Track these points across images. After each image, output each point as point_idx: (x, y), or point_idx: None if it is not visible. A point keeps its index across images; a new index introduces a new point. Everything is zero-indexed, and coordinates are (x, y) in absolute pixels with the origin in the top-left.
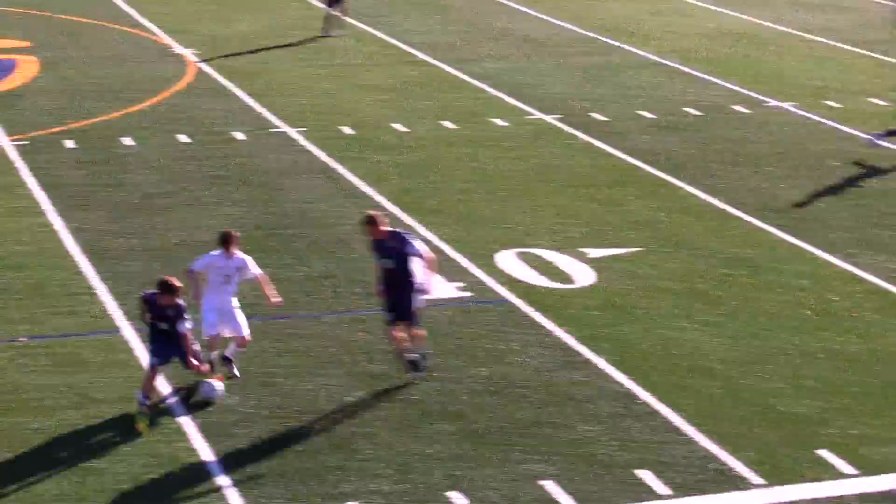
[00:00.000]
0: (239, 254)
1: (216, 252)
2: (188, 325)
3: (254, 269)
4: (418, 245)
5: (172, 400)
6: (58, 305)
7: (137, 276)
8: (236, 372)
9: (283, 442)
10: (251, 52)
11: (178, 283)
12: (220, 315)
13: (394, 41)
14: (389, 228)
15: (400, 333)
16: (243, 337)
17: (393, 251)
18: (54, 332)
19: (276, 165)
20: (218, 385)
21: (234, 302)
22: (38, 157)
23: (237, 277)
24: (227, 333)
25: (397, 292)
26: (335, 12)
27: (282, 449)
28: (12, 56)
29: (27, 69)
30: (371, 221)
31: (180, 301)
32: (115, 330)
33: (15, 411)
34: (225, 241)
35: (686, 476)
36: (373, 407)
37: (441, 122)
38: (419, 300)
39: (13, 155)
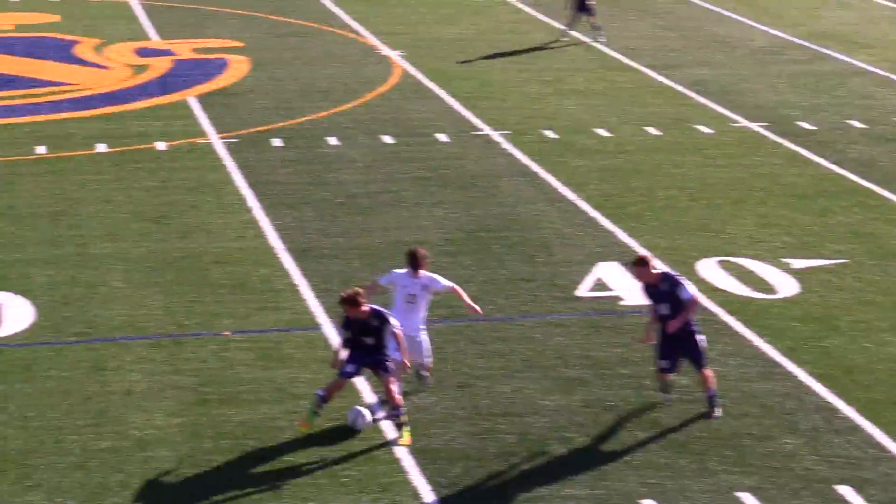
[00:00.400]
0: (425, 273)
1: (402, 271)
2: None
3: (443, 283)
4: (690, 289)
5: (380, 414)
6: (261, 301)
7: (339, 274)
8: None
9: (477, 443)
10: (458, 54)
11: (354, 293)
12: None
13: (601, 46)
14: (659, 271)
15: (667, 377)
16: (421, 363)
17: (666, 296)
18: (257, 327)
19: (479, 168)
20: (367, 414)
21: (421, 326)
22: (246, 154)
23: (423, 297)
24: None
25: (673, 338)
26: (584, 18)
27: (476, 450)
28: (224, 56)
29: (238, 69)
30: (643, 263)
31: (373, 308)
32: (317, 327)
33: (217, 403)
34: (412, 261)
35: (889, 494)
36: (568, 411)
37: (645, 127)
38: (702, 340)
39: (222, 152)
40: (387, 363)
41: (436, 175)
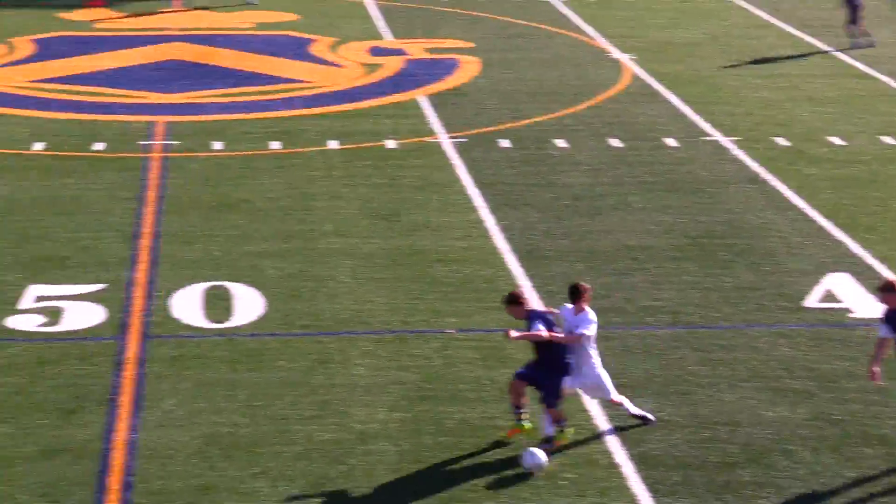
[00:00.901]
0: (587, 310)
1: (568, 306)
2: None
3: (581, 327)
4: None
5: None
6: (485, 300)
7: (562, 276)
8: (650, 417)
9: (697, 452)
10: (688, 58)
11: (515, 292)
12: (578, 370)
13: (837, 53)
14: None
15: None
16: (611, 400)
17: None
18: (480, 326)
19: (707, 174)
20: (541, 456)
21: (594, 359)
22: (474, 154)
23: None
24: (592, 395)
25: None
26: (855, 25)
27: (696, 459)
28: (455, 56)
29: (468, 69)
30: (891, 289)
31: (531, 309)
32: None
33: (438, 400)
34: (573, 296)
35: None
36: (792, 424)
37: (881, 137)
38: None
39: (451, 152)
40: (549, 390)
41: (663, 180)
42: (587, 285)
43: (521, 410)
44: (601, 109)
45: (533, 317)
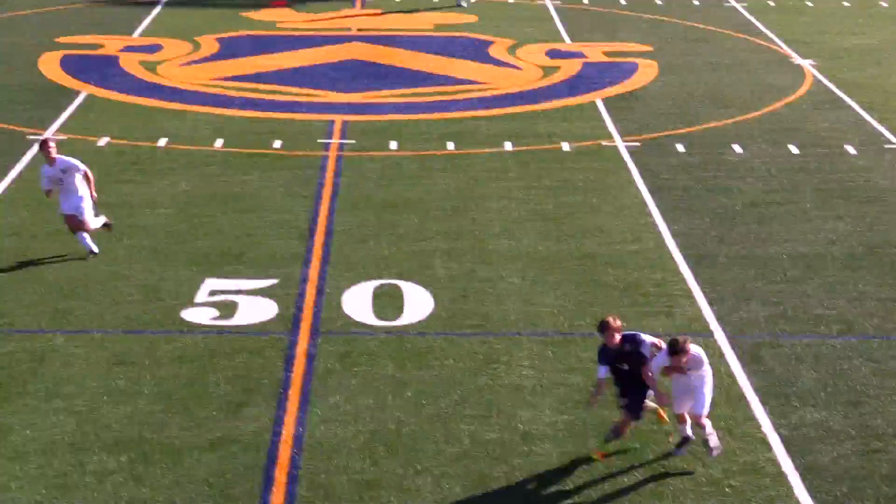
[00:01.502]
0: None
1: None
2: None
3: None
4: None
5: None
6: (653, 305)
7: (733, 282)
8: (711, 445)
9: (866, 463)
10: (872, 65)
11: (612, 322)
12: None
13: None
14: None
15: None
16: (698, 415)
17: None
18: (649, 330)
19: (887, 182)
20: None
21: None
22: (649, 158)
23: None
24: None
25: None
26: None
27: (864, 470)
28: (635, 59)
29: (647, 73)
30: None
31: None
32: (709, 334)
33: (604, 404)
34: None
35: None
36: None
37: None
38: None
39: (625, 155)
40: (637, 407)
41: (840, 187)
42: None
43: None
44: (780, 115)
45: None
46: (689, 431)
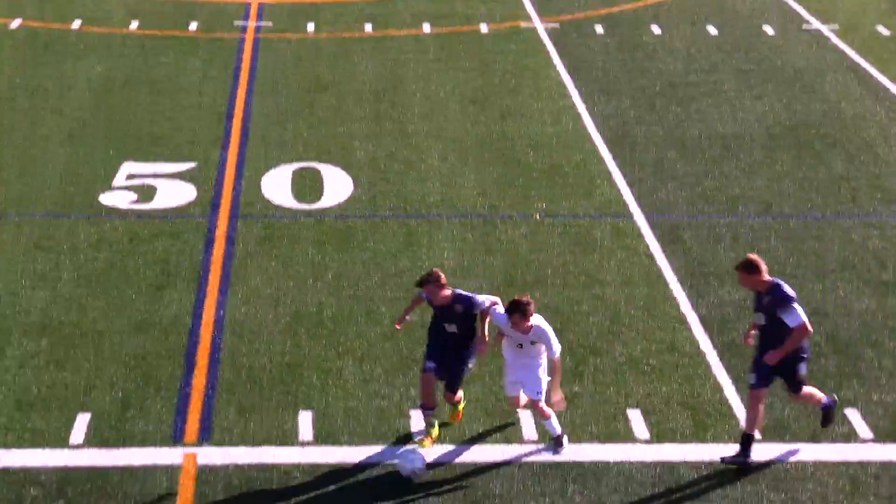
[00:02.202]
0: (536, 325)
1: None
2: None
3: (552, 347)
4: None
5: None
6: (573, 186)
7: (653, 164)
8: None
9: None
10: None
11: (437, 274)
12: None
13: None
14: None
15: None
16: (535, 401)
17: None
18: (568, 212)
19: (804, 62)
20: (418, 459)
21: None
22: (568, 39)
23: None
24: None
25: None
26: None
27: None
28: None
29: None
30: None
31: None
32: (628, 216)
33: (525, 285)
34: (509, 311)
35: None
36: (881, 315)
37: None
38: None
39: (544, 37)
40: (456, 382)
41: (759, 68)
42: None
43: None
44: None
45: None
46: (556, 428)
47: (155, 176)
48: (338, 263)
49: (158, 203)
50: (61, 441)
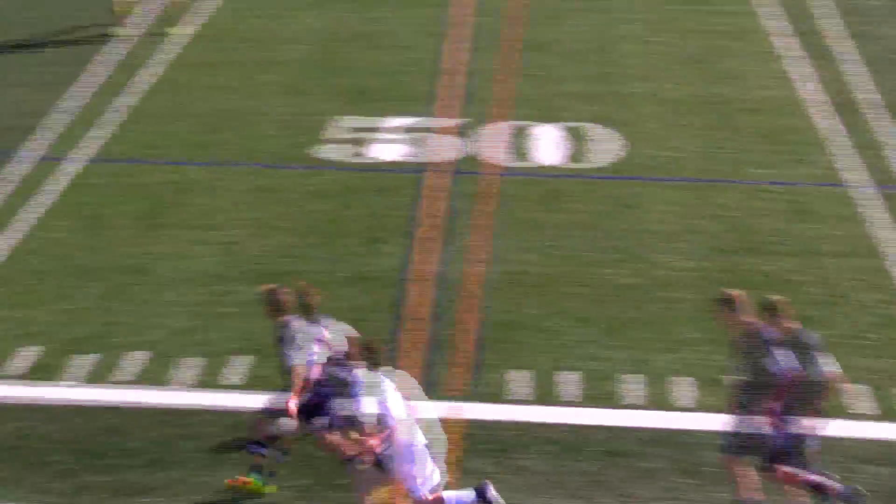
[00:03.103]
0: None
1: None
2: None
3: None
4: None
5: None
6: (791, 152)
7: (875, 131)
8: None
9: None
10: None
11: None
12: None
13: None
14: None
15: None
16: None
17: None
18: (786, 179)
19: None
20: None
21: None
22: (788, 2)
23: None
24: None
25: None
26: None
27: None
28: None
29: None
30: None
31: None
32: (848, 184)
33: (739, 252)
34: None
35: None
36: None
37: None
38: None
39: None
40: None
41: None
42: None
43: None
44: None
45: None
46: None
47: (372, 130)
48: (552, 223)
49: (375, 157)
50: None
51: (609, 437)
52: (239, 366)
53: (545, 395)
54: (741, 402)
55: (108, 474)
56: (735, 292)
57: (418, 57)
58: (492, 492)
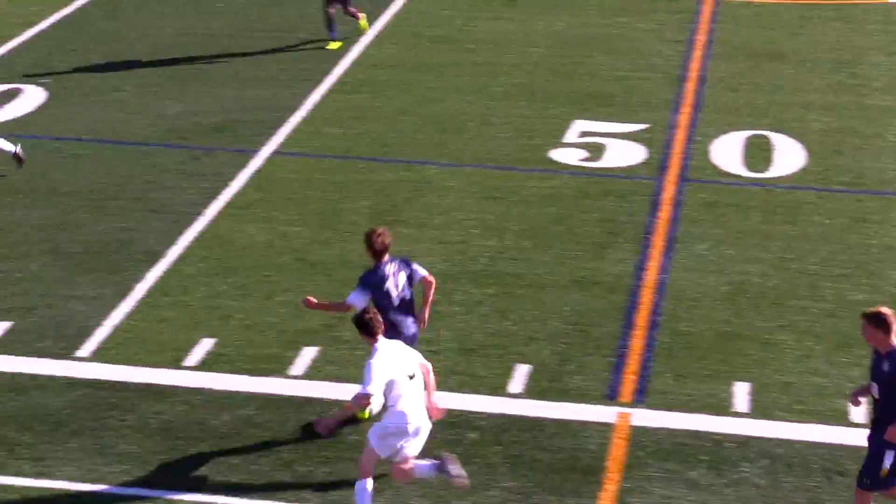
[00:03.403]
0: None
1: None
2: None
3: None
4: None
5: None
6: None
7: None
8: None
9: None
10: None
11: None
12: None
13: None
14: None
15: None
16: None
17: None
18: None
19: None
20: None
21: None
22: None
23: None
24: None
25: None
26: None
27: None
28: None
29: None
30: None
31: None
32: None
33: None
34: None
35: None
36: None
37: None
38: None
39: None
40: None
41: None
42: None
43: None
44: None
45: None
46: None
47: (606, 135)
48: (784, 235)
49: (607, 162)
50: (499, 389)
51: (831, 455)
52: (456, 367)
53: (766, 409)
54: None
55: (326, 465)
56: (888, 310)
57: (655, 63)
58: (452, 466)
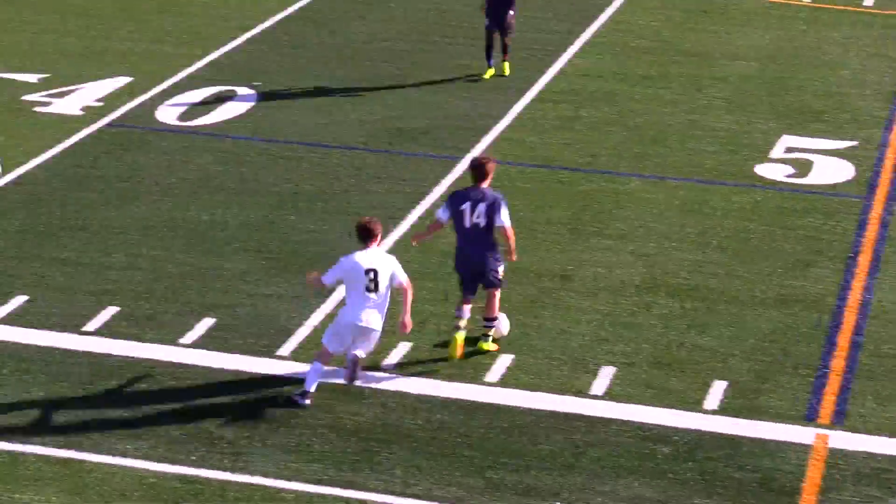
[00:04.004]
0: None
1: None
2: None
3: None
4: None
5: None
6: None
7: None
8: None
9: None
10: None
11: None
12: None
13: None
14: None
15: None
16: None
17: None
18: None
19: None
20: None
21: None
22: None
23: None
24: None
25: None
26: None
27: None
28: None
29: None
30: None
31: None
32: None
33: None
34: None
35: None
36: None
37: None
38: None
39: None
40: None
41: None
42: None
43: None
44: None
45: None
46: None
47: (813, 151)
48: None
49: (814, 178)
50: (695, 404)
51: None
52: (652, 380)
53: None
54: None
55: (517, 474)
56: None
57: (868, 79)
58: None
